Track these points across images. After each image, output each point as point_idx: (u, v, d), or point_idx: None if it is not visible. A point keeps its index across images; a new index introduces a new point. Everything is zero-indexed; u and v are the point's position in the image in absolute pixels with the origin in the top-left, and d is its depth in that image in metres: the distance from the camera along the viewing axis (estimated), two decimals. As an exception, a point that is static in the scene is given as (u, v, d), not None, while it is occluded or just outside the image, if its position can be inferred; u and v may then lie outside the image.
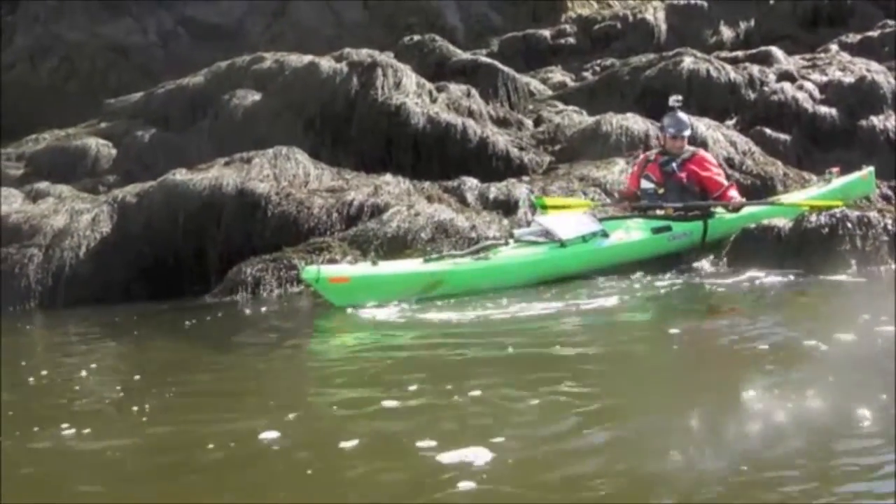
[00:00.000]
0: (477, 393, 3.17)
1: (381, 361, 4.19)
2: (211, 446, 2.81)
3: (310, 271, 5.68)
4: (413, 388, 3.34)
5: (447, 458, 2.47)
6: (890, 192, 8.94)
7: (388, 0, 19.38)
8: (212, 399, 3.68)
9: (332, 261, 6.77)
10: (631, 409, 3.00)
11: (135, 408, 3.39)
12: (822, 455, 2.40)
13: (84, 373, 4.32)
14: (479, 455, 2.46)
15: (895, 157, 9.07)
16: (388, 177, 8.51)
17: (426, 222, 7.15)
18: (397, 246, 6.94)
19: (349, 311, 5.53)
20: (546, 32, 17.21)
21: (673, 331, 4.25)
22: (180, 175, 8.15)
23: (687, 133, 6.81)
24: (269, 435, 2.84)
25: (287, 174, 8.27)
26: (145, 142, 10.63)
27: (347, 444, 2.69)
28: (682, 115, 6.85)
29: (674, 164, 6.62)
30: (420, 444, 2.62)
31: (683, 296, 5.48)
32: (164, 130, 10.91)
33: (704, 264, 6.23)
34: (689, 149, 6.94)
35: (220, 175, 7.95)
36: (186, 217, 7.80)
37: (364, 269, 5.86)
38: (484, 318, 4.99)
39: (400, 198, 7.94)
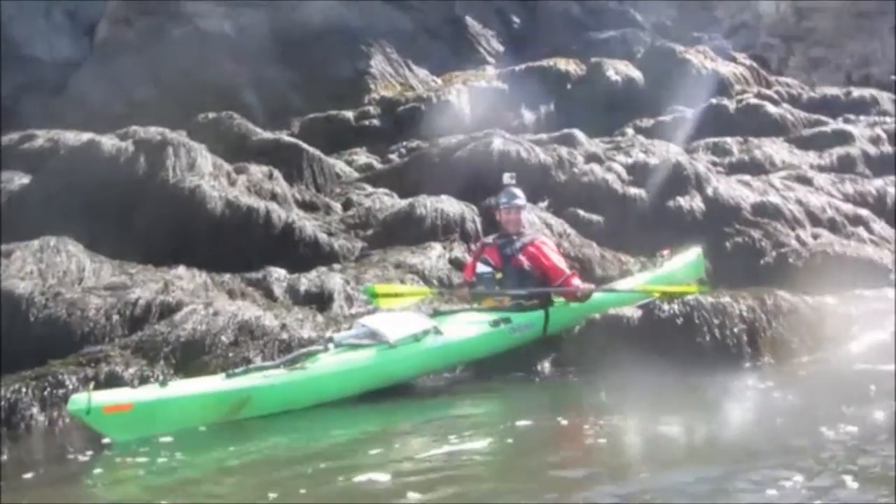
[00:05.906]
0: None
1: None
2: None
3: (77, 401, 4.40)
4: None
5: None
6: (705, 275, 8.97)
7: (180, 77, 18.35)
8: None
9: (112, 374, 5.62)
10: None
11: None
12: None
13: None
14: None
15: (704, 237, 9.10)
16: (181, 270, 7.45)
17: (227, 322, 6.14)
18: (194, 352, 5.88)
19: (133, 449, 4.30)
20: (349, 114, 16.84)
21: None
22: (-83, 274, 6.67)
23: (520, 203, 6.40)
24: None
25: (56, 270, 6.99)
26: None
27: None
28: (516, 190, 6.49)
29: (513, 247, 6.14)
30: None
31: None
32: None
33: (546, 368, 5.62)
34: (529, 232, 6.56)
35: (-29, 273, 6.58)
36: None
37: (150, 392, 4.69)
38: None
39: (195, 294, 6.91)
